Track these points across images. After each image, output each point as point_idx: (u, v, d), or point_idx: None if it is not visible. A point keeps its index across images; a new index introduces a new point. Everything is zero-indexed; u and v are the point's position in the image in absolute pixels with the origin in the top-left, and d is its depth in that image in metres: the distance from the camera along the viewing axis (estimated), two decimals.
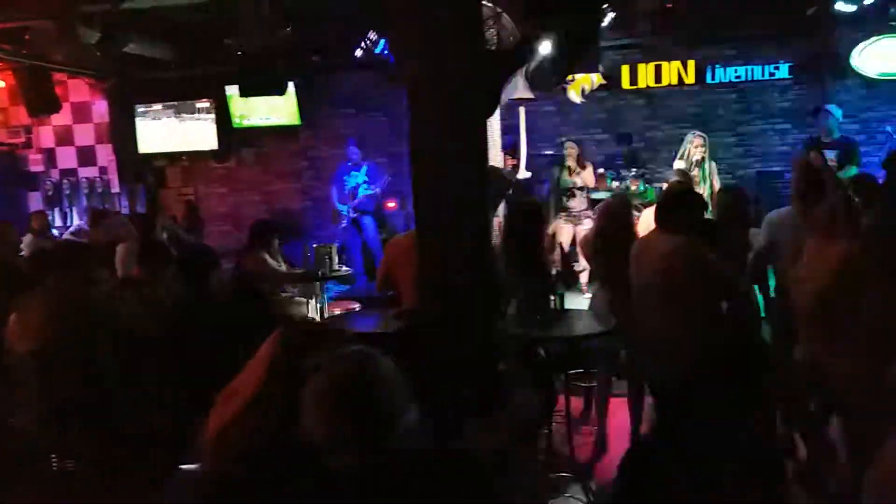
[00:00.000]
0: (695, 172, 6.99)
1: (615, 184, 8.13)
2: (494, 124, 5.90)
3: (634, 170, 8.37)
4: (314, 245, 6.28)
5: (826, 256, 3.52)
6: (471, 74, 3.40)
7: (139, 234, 5.75)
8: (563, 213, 7.51)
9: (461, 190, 3.54)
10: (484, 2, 4.24)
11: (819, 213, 3.56)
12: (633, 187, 8.03)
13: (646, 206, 7.34)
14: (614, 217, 4.55)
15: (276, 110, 9.48)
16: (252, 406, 1.67)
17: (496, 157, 6.07)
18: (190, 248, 4.12)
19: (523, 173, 7.74)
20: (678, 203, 3.73)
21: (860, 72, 8.68)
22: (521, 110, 7.85)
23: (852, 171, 6.55)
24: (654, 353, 3.57)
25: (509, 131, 8.03)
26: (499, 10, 3.99)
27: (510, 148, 8.05)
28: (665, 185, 6.47)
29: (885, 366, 1.69)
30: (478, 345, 3.58)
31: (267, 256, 5.50)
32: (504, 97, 6.44)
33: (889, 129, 8.38)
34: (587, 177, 7.59)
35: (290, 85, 8.64)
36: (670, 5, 8.11)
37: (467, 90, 3.39)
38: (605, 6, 5.93)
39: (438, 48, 3.38)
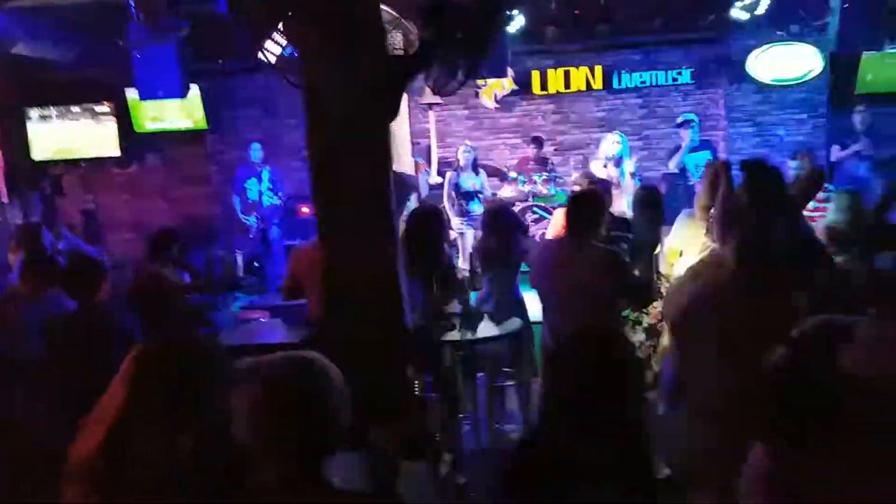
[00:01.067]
0: (613, 172, 7.10)
1: (527, 187, 8.23)
2: (403, 129, 5.87)
3: (545, 173, 8.48)
4: (219, 254, 6.08)
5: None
6: (370, 78, 3.35)
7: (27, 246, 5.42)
8: (464, 218, 7.56)
9: (363, 196, 3.48)
10: (385, 7, 4.20)
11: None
12: (544, 190, 8.14)
13: (556, 208, 7.48)
14: (495, 223, 4.59)
15: (181, 114, 9.16)
16: (118, 429, 1.57)
17: (407, 162, 6.03)
18: (76, 259, 3.88)
19: (434, 178, 7.74)
20: (582, 207, 3.78)
21: (755, 77, 9.07)
22: (432, 115, 7.85)
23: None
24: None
25: (421, 136, 8.03)
26: (399, 15, 3.95)
27: (421, 153, 8.06)
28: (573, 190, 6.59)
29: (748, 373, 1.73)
30: (383, 352, 3.54)
31: (166, 267, 5.28)
32: (413, 102, 6.45)
33: (782, 132, 8.80)
34: (484, 181, 7.71)
35: (195, 87, 8.36)
36: (578, 12, 8.27)
37: (366, 94, 3.33)
38: (508, 13, 6.02)
39: (335, 51, 3.31)
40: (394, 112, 3.60)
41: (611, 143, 7.16)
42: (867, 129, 7.99)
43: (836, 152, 7.93)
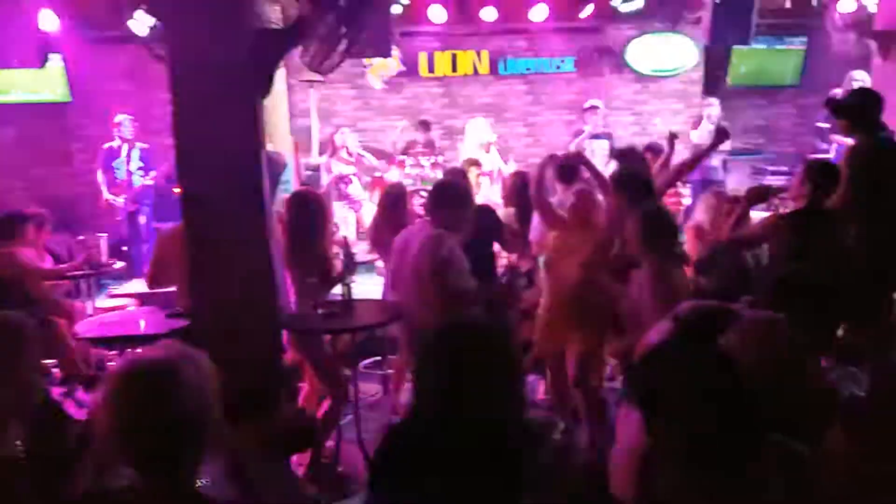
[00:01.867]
0: (483, 157, 7.10)
1: (414, 171, 8.14)
2: (281, 107, 5.62)
3: (432, 157, 8.41)
4: (81, 238, 5.65)
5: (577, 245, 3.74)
6: (239, 52, 3.15)
7: None
8: (344, 201, 7.40)
9: (231, 176, 3.29)
10: None
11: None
12: (431, 174, 8.08)
13: None
14: (393, 205, 4.53)
15: (40, 84, 8.45)
16: None
17: (284, 141, 5.79)
18: None
19: (315, 158, 7.51)
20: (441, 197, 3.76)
21: (633, 67, 9.35)
22: (312, 93, 7.60)
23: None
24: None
25: (302, 115, 7.76)
26: None
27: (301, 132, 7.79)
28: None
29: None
30: (256, 342, 3.37)
31: (20, 251, 4.86)
32: (293, 79, 6.21)
33: (658, 121, 9.13)
34: (351, 167, 7.59)
35: (57, 58, 7.73)
36: None
37: (235, 69, 3.13)
38: None
39: (201, 23, 3.09)
40: (266, 88, 3.42)
41: (482, 127, 7.14)
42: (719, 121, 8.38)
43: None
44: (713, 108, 8.23)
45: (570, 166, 4.44)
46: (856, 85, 7.56)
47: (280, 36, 3.46)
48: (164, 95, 3.30)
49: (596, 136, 7.78)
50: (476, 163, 6.61)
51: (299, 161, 6.35)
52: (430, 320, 3.43)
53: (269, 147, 5.62)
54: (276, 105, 5.48)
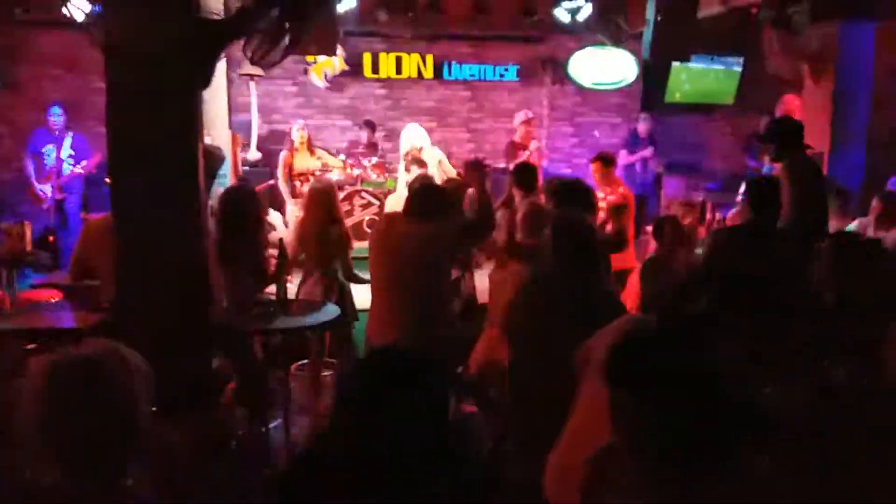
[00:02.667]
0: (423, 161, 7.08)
1: (356, 171, 8.08)
2: (220, 100, 5.51)
3: (375, 158, 8.38)
4: (3, 225, 5.41)
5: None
6: (177, 43, 3.07)
7: None
8: (298, 199, 7.26)
9: (165, 169, 3.20)
10: None
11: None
12: (373, 176, 8.05)
13: (387, 194, 7.40)
14: (320, 203, 4.46)
15: None
16: None
17: (222, 135, 5.67)
18: None
19: (254, 154, 7.37)
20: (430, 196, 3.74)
21: (575, 79, 9.51)
22: (253, 87, 7.46)
23: None
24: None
25: (242, 110, 7.63)
26: None
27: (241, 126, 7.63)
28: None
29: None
30: (185, 339, 3.29)
31: None
32: (233, 72, 6.10)
33: (597, 133, 9.30)
34: (316, 162, 7.48)
35: None
36: None
37: (172, 58, 3.05)
38: None
39: (137, 9, 3.00)
40: (205, 80, 3.34)
41: (419, 132, 7.13)
42: (650, 137, 8.63)
43: (623, 157, 8.46)
44: (643, 123, 8.48)
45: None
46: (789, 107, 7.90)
47: (221, 27, 3.39)
48: (101, 83, 3.20)
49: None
50: (419, 160, 6.58)
51: (237, 156, 6.23)
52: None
53: (207, 140, 5.50)
54: (215, 98, 5.36)
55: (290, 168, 7.27)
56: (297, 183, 7.25)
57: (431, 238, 3.52)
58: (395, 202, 5.76)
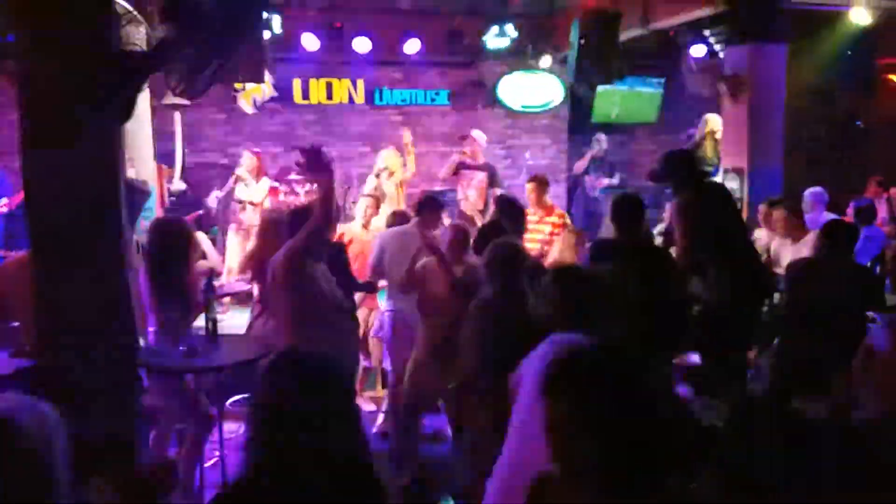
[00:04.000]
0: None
1: (289, 198, 7.99)
2: (144, 131, 5.37)
3: (308, 184, 8.29)
4: None
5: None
6: (97, 75, 2.98)
7: None
8: (234, 226, 7.15)
9: (85, 204, 3.09)
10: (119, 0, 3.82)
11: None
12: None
13: None
14: (268, 233, 4.38)
15: None
16: None
17: (147, 166, 5.52)
18: None
19: (178, 184, 7.21)
20: None
21: (504, 103, 9.65)
22: (177, 117, 7.31)
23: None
24: None
25: (168, 139, 7.46)
26: (133, 9, 3.60)
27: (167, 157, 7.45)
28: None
29: None
30: (110, 382, 3.16)
31: None
32: (157, 101, 5.97)
33: (527, 155, 9.45)
34: (262, 191, 7.37)
35: None
36: (340, 25, 8.22)
37: (90, 91, 2.96)
38: (265, 16, 5.82)
39: (53, 41, 2.91)
40: (125, 114, 3.25)
41: (389, 160, 7.14)
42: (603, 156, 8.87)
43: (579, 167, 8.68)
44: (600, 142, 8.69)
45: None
46: (708, 126, 8.20)
47: (142, 59, 3.32)
48: (13, 116, 3.08)
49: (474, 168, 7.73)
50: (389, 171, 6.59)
51: (164, 187, 6.07)
52: None
53: (132, 173, 5.35)
54: (140, 129, 5.22)
55: (234, 196, 7.20)
56: (240, 211, 7.16)
57: None
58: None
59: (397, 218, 5.15)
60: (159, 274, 3.69)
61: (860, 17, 7.05)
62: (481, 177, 7.50)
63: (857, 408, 1.76)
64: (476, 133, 7.87)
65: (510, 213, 4.59)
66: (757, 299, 4.24)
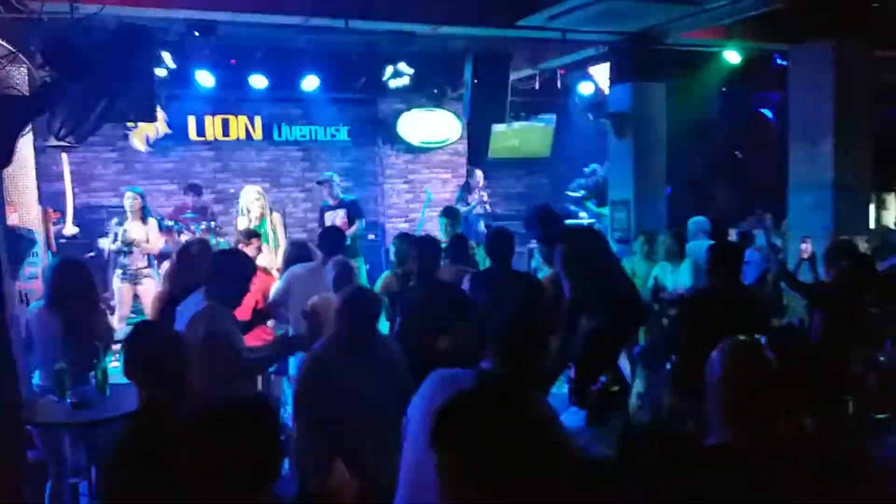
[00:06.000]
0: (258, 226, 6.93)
1: (184, 237, 7.77)
2: (27, 175, 5.14)
3: (204, 222, 8.11)
4: None
5: None
6: None
7: None
8: (120, 271, 6.83)
9: None
10: None
11: None
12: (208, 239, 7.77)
13: None
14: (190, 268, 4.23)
15: None
16: None
17: (32, 210, 5.27)
18: None
19: (70, 228, 6.92)
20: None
21: (404, 138, 9.80)
22: (65, 158, 7.05)
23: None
24: None
25: (55, 180, 7.17)
26: (15, 50, 3.49)
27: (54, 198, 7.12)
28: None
29: None
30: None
31: None
32: (39, 143, 5.74)
33: (429, 189, 9.60)
34: (150, 231, 7.06)
35: None
36: (234, 62, 8.15)
37: None
38: (156, 55, 5.72)
39: None
40: (6, 160, 3.15)
41: (251, 200, 6.96)
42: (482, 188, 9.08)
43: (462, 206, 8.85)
44: (474, 177, 8.92)
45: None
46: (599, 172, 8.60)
47: (22, 103, 3.23)
48: None
49: (333, 208, 7.73)
50: (254, 234, 6.40)
51: (50, 232, 5.79)
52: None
53: (15, 218, 5.11)
54: (22, 172, 4.99)
55: (120, 237, 6.81)
56: (122, 255, 6.80)
57: None
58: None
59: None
60: (71, 312, 3.54)
61: (732, 57, 7.62)
62: (342, 213, 7.58)
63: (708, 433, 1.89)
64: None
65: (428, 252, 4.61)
66: (632, 325, 4.53)
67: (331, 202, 7.77)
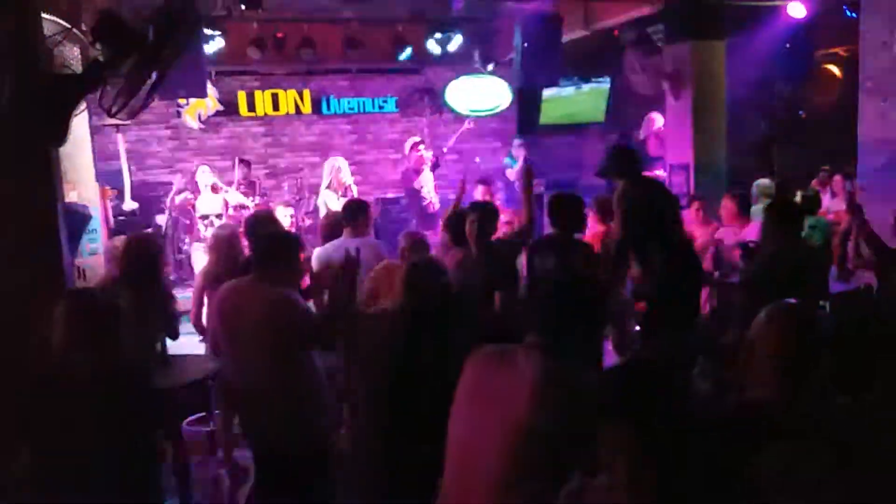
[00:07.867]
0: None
1: (243, 212, 7.85)
2: (84, 153, 5.23)
3: (257, 197, 8.18)
4: None
5: None
6: (29, 98, 2.90)
7: None
8: (201, 243, 6.97)
9: (24, 230, 3.00)
10: (54, 18, 3.71)
11: None
12: None
13: None
14: (226, 250, 4.24)
15: None
16: None
17: (89, 189, 5.37)
18: None
19: (129, 204, 7.05)
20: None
21: (453, 107, 9.66)
22: (120, 137, 7.16)
23: None
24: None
25: (112, 159, 7.30)
26: (70, 26, 3.49)
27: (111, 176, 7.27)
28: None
29: None
30: None
31: None
32: (96, 121, 5.83)
33: (479, 159, 9.47)
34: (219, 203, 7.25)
35: None
36: (282, 36, 8.13)
37: (25, 116, 2.87)
38: (208, 32, 5.73)
39: None
40: (61, 137, 3.16)
41: (343, 167, 6.93)
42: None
43: (511, 174, 8.71)
44: (516, 147, 8.72)
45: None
46: (655, 124, 8.30)
47: (75, 81, 3.23)
48: None
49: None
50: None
51: (108, 209, 5.91)
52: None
53: (73, 196, 5.20)
54: (80, 151, 5.08)
55: (193, 210, 7.06)
56: (202, 227, 7.00)
57: None
58: None
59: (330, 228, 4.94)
60: (142, 289, 3.59)
61: (796, 11, 7.25)
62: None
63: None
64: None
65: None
66: (690, 282, 4.36)
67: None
